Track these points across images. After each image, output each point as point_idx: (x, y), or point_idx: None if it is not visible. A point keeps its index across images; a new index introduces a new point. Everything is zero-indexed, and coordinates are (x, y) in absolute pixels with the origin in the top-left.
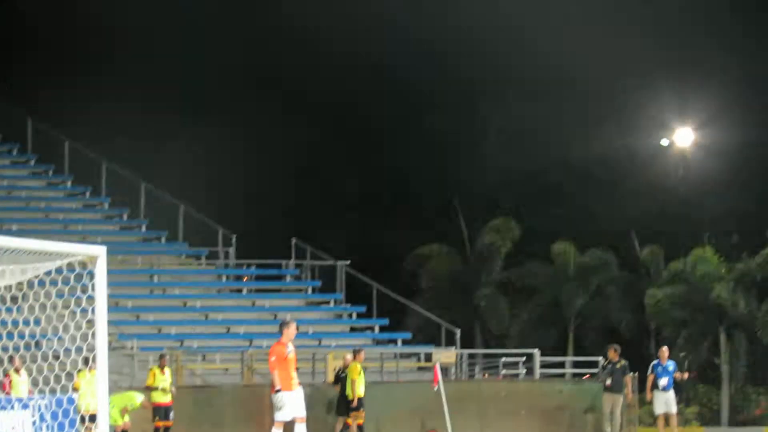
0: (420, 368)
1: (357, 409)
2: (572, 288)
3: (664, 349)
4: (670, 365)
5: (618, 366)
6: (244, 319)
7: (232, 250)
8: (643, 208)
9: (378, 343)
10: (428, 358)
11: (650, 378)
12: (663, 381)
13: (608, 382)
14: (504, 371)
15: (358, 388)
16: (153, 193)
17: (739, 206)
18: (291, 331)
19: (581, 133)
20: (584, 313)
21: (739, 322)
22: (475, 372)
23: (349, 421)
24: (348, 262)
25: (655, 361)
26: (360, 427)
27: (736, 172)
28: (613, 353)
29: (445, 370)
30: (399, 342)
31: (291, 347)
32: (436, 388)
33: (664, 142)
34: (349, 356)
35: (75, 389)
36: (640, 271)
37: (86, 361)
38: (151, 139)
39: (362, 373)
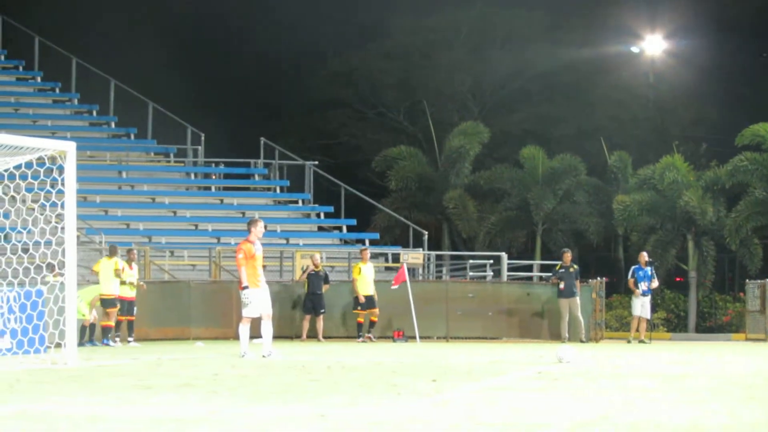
0: (387, 268)
1: (365, 307)
2: (540, 192)
3: (644, 253)
4: (649, 270)
5: (570, 270)
6: (212, 216)
7: (201, 149)
8: (613, 115)
9: (346, 242)
10: (396, 258)
11: (631, 282)
12: (643, 285)
13: (561, 285)
14: (471, 273)
15: (358, 286)
16: (122, 91)
17: (709, 114)
18: (259, 229)
19: (552, 38)
20: (552, 217)
21: (708, 230)
22: (442, 274)
23: (360, 319)
24: (316, 162)
25: (635, 266)
26: (372, 324)
27: (705, 80)
28: (567, 257)
29: (412, 271)
30: (367, 242)
31: (258, 245)
32: (395, 287)
33: (635, 49)
34: (318, 255)
35: (94, 272)
36: (609, 176)
37: (55, 255)
38: (121, 36)
39: (362, 272)
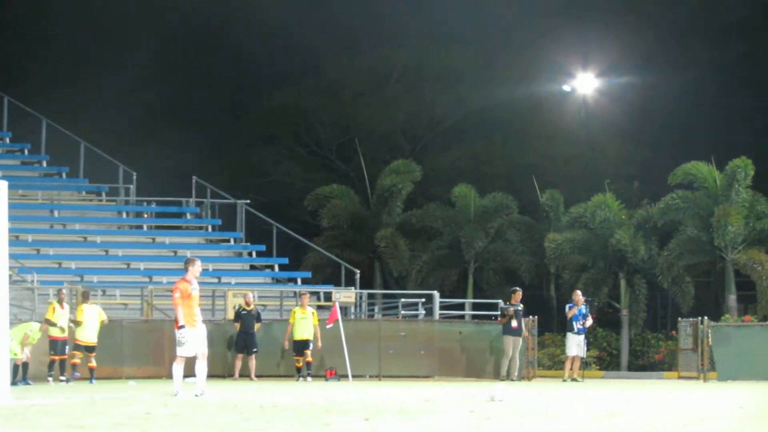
0: (320, 307)
1: (297, 352)
2: (472, 230)
3: (578, 292)
4: (584, 308)
5: (520, 309)
6: (144, 255)
7: (132, 187)
8: (545, 153)
9: (278, 281)
10: (328, 297)
11: (570, 313)
12: (578, 324)
13: (514, 323)
14: (403, 312)
15: (294, 331)
16: (54, 129)
17: (640, 153)
18: (196, 268)
19: (483, 77)
20: (484, 255)
21: (639, 268)
22: (374, 312)
23: (298, 364)
24: (248, 201)
25: (570, 303)
26: (308, 365)
27: (637, 119)
28: (517, 296)
29: (344, 309)
30: (299, 281)
31: (195, 284)
32: (330, 326)
33: (567, 87)
34: (250, 294)
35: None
36: (541, 215)
37: None
38: (53, 75)
39: (296, 315)
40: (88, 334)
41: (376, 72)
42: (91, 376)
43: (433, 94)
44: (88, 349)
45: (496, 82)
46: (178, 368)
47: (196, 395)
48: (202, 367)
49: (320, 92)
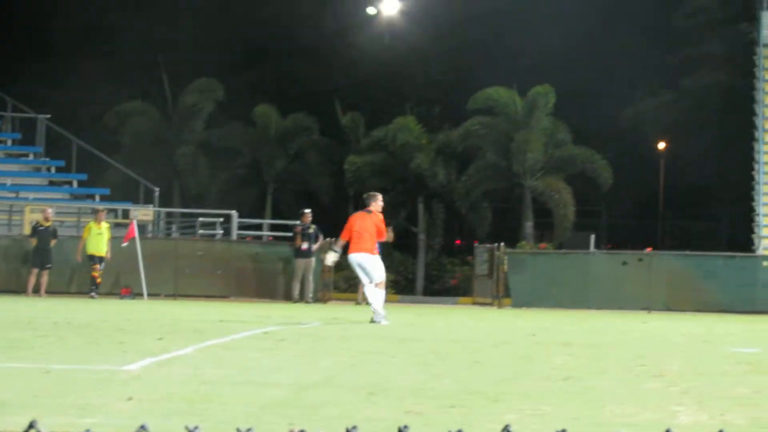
0: (117, 224)
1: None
2: (272, 150)
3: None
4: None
5: (311, 230)
6: None
7: None
8: (348, 75)
9: (76, 197)
10: (126, 214)
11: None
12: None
13: (304, 246)
14: (201, 231)
15: (87, 246)
16: None
17: (443, 77)
18: None
19: None
20: (283, 176)
21: (438, 193)
22: (172, 231)
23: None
24: (48, 115)
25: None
26: (92, 279)
27: (440, 43)
28: (307, 218)
29: (142, 227)
30: (97, 197)
31: None
32: (125, 245)
33: (371, 10)
34: (50, 210)
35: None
36: (342, 137)
37: None
38: None
39: (91, 231)
40: None
41: None
42: None
43: (239, 11)
44: None
45: (302, 3)
46: None
47: None
48: None
49: (125, 7)
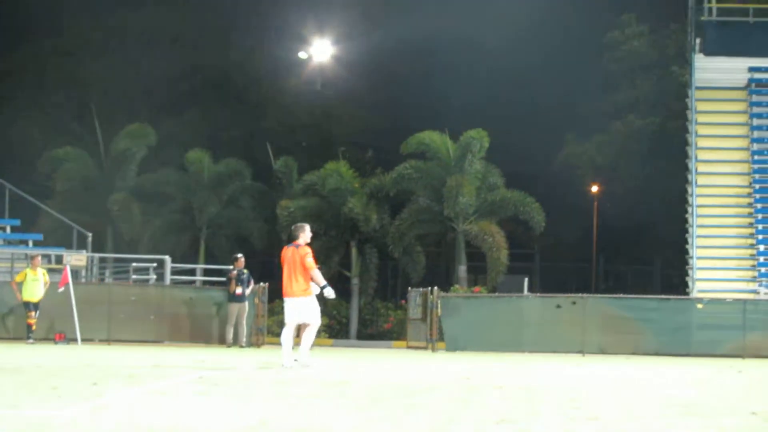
0: (51, 270)
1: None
2: (205, 196)
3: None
4: (245, 275)
5: (244, 275)
6: None
7: None
8: (280, 120)
9: (9, 243)
10: (59, 260)
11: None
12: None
13: (238, 290)
14: (134, 276)
15: (23, 292)
16: None
17: (375, 122)
18: None
19: (221, 42)
20: (216, 221)
21: (371, 237)
22: (105, 276)
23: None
24: None
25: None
26: (28, 326)
27: (372, 88)
28: (240, 262)
29: (75, 273)
30: (30, 243)
31: None
32: (61, 290)
33: (303, 54)
34: None
35: (17, 282)
36: (274, 182)
37: None
38: None
39: (27, 277)
40: None
41: (113, 33)
42: None
43: (170, 57)
44: None
45: (234, 47)
46: None
47: None
48: None
49: (57, 52)
